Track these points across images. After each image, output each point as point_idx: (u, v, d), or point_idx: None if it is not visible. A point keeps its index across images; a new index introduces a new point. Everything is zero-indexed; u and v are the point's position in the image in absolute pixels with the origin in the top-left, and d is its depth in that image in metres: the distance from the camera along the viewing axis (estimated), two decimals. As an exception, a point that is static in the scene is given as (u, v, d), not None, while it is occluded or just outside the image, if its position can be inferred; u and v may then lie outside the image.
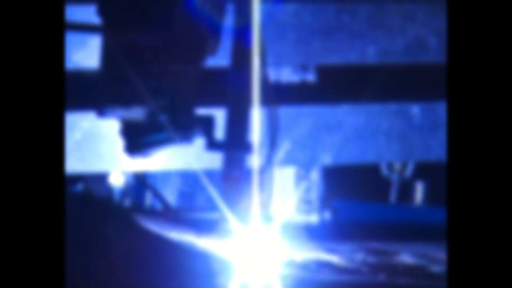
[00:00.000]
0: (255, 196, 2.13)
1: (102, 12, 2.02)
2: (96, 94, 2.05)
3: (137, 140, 2.07)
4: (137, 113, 2.03)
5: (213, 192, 2.34)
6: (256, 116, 2.17)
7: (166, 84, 2.05)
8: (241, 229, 2.16)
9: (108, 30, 2.01)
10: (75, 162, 2.49)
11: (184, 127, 2.07)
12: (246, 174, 2.15)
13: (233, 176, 2.13)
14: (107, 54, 2.02)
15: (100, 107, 2.00)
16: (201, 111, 2.14)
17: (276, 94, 2.28)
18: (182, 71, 2.07)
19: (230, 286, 2.26)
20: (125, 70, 1.99)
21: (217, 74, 2.22)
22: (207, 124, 2.13)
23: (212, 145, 2.13)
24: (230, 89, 2.15)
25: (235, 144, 2.14)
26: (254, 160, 2.17)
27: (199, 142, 2.18)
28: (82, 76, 2.51)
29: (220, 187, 2.30)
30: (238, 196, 2.13)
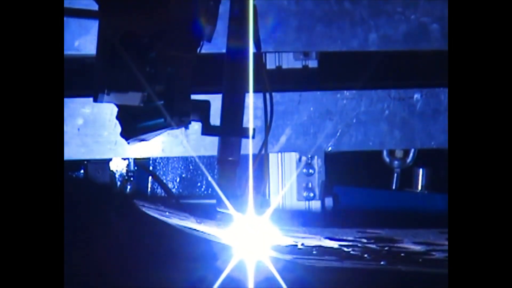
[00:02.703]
0: (250, 181, 2.13)
1: (98, -3, 2.03)
2: (93, 79, 2.06)
3: (133, 125, 2.08)
4: (134, 99, 2.04)
5: (211, 178, 2.35)
6: (251, 102, 2.17)
7: (163, 70, 2.06)
8: (238, 214, 2.16)
9: (104, 16, 2.02)
10: (77, 148, 2.51)
11: (180, 112, 2.08)
12: (241, 159, 2.15)
13: (229, 161, 2.13)
14: (104, 40, 2.02)
15: (96, 92, 2.01)
16: (198, 96, 2.15)
17: (271, 80, 2.28)
18: (179, 57, 2.07)
19: (227, 270, 2.27)
20: (122, 55, 1.99)
21: (213, 59, 2.22)
22: (203, 110, 2.13)
23: (208, 130, 2.14)
24: (226, 75, 2.15)
25: (230, 129, 2.14)
26: (249, 145, 2.17)
27: (199, 128, 2.19)
28: (84, 63, 2.52)
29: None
30: (233, 181, 2.13)
